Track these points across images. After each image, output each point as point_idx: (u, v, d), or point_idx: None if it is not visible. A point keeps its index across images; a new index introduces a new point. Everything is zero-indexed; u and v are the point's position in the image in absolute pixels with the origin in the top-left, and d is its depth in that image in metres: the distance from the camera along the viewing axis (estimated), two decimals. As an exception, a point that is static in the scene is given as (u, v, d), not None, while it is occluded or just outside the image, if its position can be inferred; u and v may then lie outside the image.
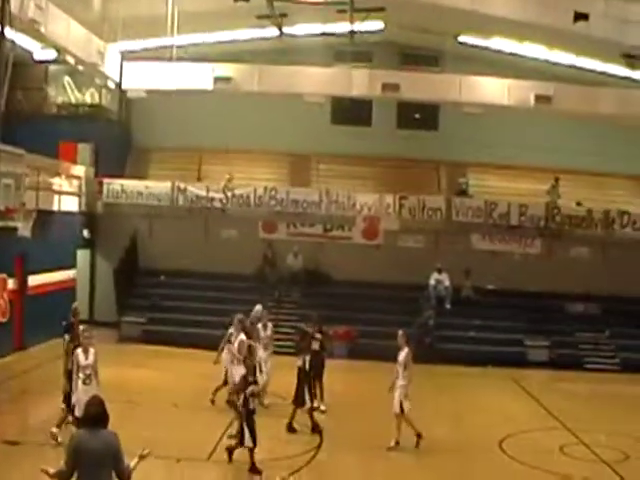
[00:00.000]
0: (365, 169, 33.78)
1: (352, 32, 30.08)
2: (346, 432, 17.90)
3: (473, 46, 33.27)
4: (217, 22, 31.00)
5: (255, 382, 15.73)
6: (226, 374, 19.04)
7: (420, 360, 18.52)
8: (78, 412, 14.54)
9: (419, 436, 16.73)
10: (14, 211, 21.05)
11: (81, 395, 14.86)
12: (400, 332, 17.23)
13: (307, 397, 17.83)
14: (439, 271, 29.41)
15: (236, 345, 18.12)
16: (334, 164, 34.00)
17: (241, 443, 15.08)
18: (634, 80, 31.13)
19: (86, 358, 15.46)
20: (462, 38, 33.13)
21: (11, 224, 21.28)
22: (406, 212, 30.37)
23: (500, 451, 16.88)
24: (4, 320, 24.33)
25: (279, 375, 19.67)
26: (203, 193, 30.64)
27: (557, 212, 30.29)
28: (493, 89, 31.22)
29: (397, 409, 16.75)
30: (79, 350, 15.53)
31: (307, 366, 18.13)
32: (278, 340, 21.81)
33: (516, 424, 19.07)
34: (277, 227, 30.71)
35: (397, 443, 16.74)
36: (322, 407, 19.49)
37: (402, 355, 17.04)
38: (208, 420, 18.20)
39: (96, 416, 8.41)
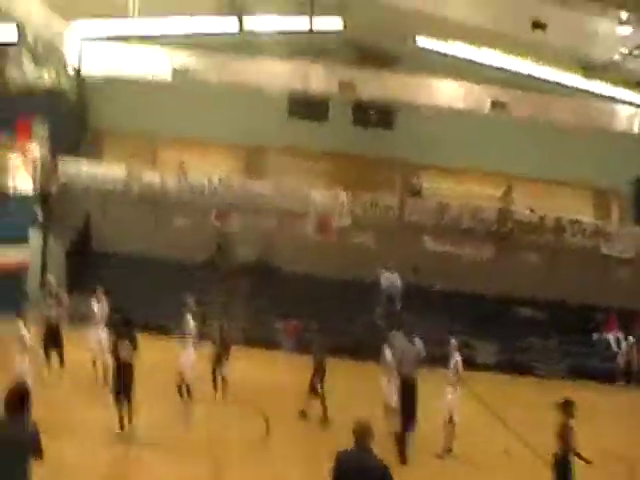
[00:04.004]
0: (320, 164, 34.02)
1: (311, 30, 30.29)
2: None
3: (431, 50, 33.67)
4: (177, 6, 30.93)
5: None
6: None
7: (371, 361, 18.50)
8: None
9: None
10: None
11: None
12: (452, 340, 16.86)
13: None
14: (389, 270, 29.27)
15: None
16: (289, 157, 34.02)
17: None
18: (589, 91, 31.90)
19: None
20: (420, 41, 33.55)
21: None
22: (359, 209, 30.63)
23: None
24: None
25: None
26: (157, 180, 30.63)
27: (509, 217, 30.75)
28: (449, 92, 31.80)
29: (447, 418, 16.58)
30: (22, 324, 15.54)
31: None
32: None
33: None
34: (230, 217, 30.70)
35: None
36: None
37: (453, 362, 16.66)
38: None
39: None
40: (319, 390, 18.72)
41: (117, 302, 20.20)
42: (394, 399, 16.77)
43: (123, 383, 15.48)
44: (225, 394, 19.01)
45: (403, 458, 15.35)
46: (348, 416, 9.32)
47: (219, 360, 19.30)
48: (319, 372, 18.84)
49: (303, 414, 18.57)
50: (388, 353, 17.32)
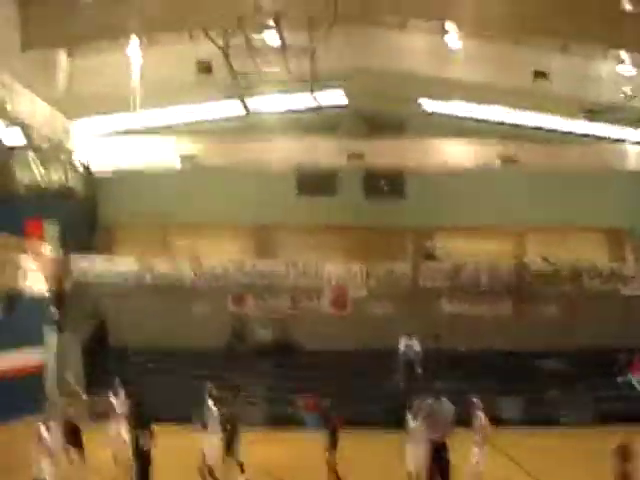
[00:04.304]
0: (332, 238, 33.76)
1: (318, 107, 30.45)
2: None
3: (436, 112, 33.69)
4: (181, 96, 31.21)
5: None
6: None
7: (397, 426, 17.93)
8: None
9: None
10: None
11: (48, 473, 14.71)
12: (474, 400, 16.62)
13: None
14: (408, 336, 28.97)
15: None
16: (301, 233, 33.86)
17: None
18: (596, 135, 31.71)
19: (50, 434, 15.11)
20: (425, 103, 33.57)
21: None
22: (373, 279, 30.42)
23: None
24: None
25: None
26: (171, 269, 30.63)
27: (525, 271, 30.42)
28: (458, 152, 31.85)
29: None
30: (42, 426, 15.17)
31: None
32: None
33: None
34: (246, 300, 30.57)
35: None
36: None
37: (477, 421, 16.39)
38: None
39: None
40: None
41: (136, 394, 19.88)
42: (418, 466, 16.26)
43: (143, 472, 15.52)
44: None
45: None
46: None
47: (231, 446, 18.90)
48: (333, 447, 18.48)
49: None
50: (412, 420, 16.85)
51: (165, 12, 26.11)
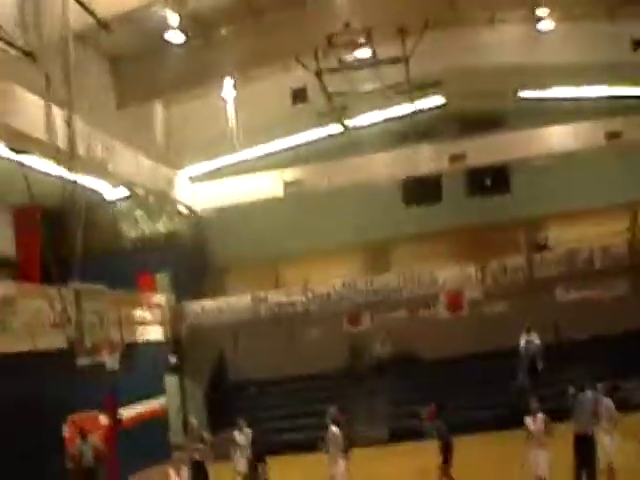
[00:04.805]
0: (442, 244, 33.56)
1: (414, 112, 30.13)
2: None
3: (534, 99, 32.88)
4: (279, 129, 31.47)
5: None
6: None
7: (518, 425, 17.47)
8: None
9: None
10: (100, 347, 21.25)
11: None
12: (599, 385, 16.31)
13: None
14: (528, 331, 28.62)
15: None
16: (411, 245, 33.74)
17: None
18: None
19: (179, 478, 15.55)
20: (523, 93, 32.84)
21: (99, 359, 21.47)
22: (488, 278, 30.04)
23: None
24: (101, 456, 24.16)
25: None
26: (283, 299, 30.89)
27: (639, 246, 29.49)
28: (560, 137, 30.88)
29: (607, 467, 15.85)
30: (172, 471, 15.59)
31: None
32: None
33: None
34: (361, 318, 30.50)
35: None
36: None
37: (603, 408, 15.99)
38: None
39: None
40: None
41: (261, 428, 20.16)
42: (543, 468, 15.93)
43: None
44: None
45: None
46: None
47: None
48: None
49: None
50: (531, 423, 16.35)
51: (255, 46, 26.20)
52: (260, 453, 17.95)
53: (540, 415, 16.17)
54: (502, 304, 29.62)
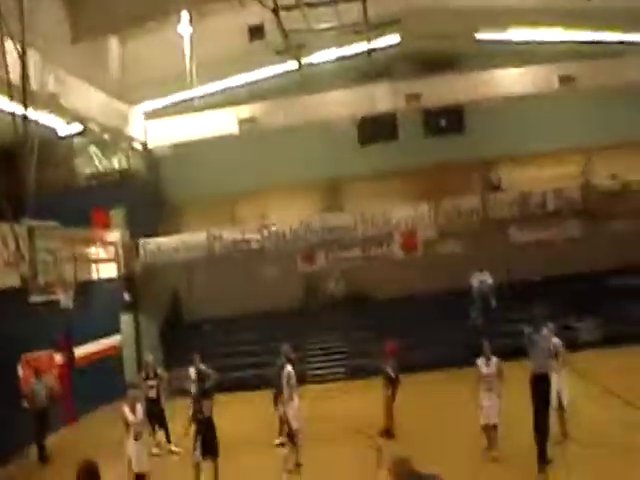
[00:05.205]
0: (397, 183, 33.36)
1: (370, 50, 29.92)
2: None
3: (490, 42, 32.72)
4: (235, 65, 31.15)
5: None
6: None
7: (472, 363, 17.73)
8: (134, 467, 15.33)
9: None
10: (54, 284, 21.15)
11: (133, 451, 15.40)
12: (549, 325, 16.28)
13: None
14: (481, 270, 29.08)
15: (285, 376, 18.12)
16: (366, 184, 33.49)
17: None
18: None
19: (134, 415, 15.58)
20: (479, 35, 32.76)
21: (53, 297, 21.38)
22: (442, 218, 30.15)
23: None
24: (55, 395, 23.94)
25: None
26: (239, 236, 30.79)
27: (592, 190, 29.73)
28: (515, 79, 31.00)
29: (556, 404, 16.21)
30: (126, 408, 15.63)
31: None
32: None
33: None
34: (316, 258, 30.60)
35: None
36: None
37: (552, 347, 16.09)
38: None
39: None
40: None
41: (214, 367, 20.26)
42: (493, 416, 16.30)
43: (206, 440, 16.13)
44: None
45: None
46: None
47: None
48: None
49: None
50: (484, 365, 16.52)
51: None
52: (205, 390, 17.98)
53: (494, 359, 16.33)
54: (456, 244, 29.95)
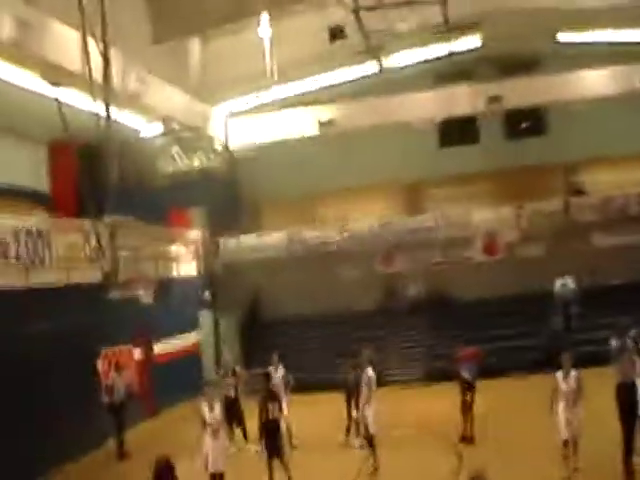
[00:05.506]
0: (478, 185, 33.28)
1: (451, 53, 29.68)
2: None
3: (572, 43, 32.31)
4: (316, 66, 31.18)
5: None
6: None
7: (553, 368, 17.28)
8: (209, 467, 15.27)
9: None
10: (134, 281, 21.37)
11: (210, 450, 15.32)
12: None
13: None
14: (563, 276, 28.70)
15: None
16: (447, 187, 33.55)
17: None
18: None
19: (212, 413, 15.59)
20: (560, 37, 32.29)
21: (133, 294, 21.60)
22: (524, 221, 29.89)
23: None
24: (134, 390, 24.37)
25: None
26: (318, 237, 31.02)
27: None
28: (597, 81, 30.41)
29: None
30: (204, 406, 15.65)
31: None
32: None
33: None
34: (395, 259, 30.57)
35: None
36: None
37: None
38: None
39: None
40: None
41: (294, 366, 20.25)
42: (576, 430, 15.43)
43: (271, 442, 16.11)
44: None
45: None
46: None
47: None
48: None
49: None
50: (562, 380, 15.70)
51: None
52: (272, 391, 17.88)
53: (573, 372, 15.44)
54: (538, 247, 29.61)
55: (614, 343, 14.80)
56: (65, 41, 18.96)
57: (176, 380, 25.18)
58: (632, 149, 31.32)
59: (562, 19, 30.17)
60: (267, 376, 17.91)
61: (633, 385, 14.75)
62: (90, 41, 17.76)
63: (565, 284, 28.72)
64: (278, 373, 20.43)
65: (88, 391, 21.61)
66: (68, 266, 20.45)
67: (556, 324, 28.12)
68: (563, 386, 15.44)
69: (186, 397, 24.14)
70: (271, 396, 16.69)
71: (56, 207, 23.30)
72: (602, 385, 15.02)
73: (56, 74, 19.26)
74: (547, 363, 18.88)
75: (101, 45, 18.04)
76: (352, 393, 19.37)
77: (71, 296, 19.97)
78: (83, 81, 18.17)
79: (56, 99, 17.90)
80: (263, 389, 17.22)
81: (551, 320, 28.28)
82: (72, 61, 18.64)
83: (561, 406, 15.41)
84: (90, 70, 17.86)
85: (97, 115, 17.90)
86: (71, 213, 22.00)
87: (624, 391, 14.65)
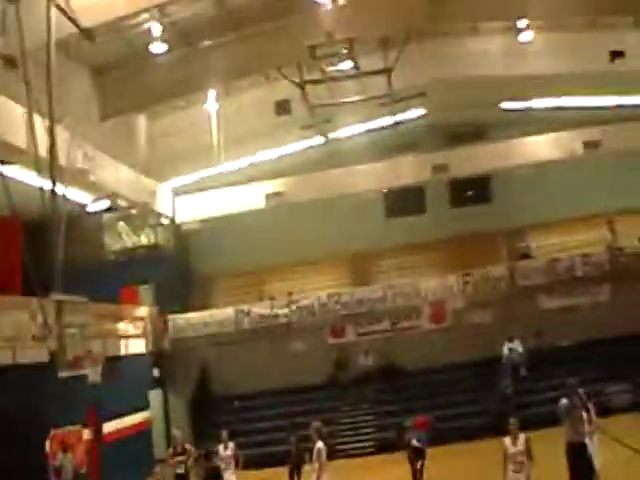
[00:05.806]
0: (425, 255, 33.76)
1: (396, 123, 30.07)
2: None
3: (515, 110, 32.97)
4: (262, 140, 31.41)
5: None
6: None
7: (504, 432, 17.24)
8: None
9: None
10: (82, 360, 21.03)
11: None
12: (580, 390, 15.56)
13: None
14: (510, 339, 28.86)
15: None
16: (394, 257, 33.97)
17: None
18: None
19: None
20: (505, 104, 32.94)
21: (81, 372, 21.24)
22: (470, 288, 30.11)
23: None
24: (82, 471, 23.75)
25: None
26: (267, 312, 30.85)
27: (620, 254, 29.63)
28: (540, 146, 31.20)
29: None
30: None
31: None
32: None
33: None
34: (345, 330, 30.61)
35: None
36: None
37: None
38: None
39: None
40: None
41: (244, 442, 19.96)
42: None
43: None
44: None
45: None
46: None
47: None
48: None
49: None
50: (510, 444, 15.66)
51: (237, 59, 26.06)
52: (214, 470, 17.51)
53: (522, 436, 15.63)
54: (485, 313, 29.69)
55: (563, 402, 14.89)
56: (10, 116, 18.93)
57: (126, 459, 24.61)
58: (575, 212, 31.99)
59: (506, 87, 30.79)
60: (206, 456, 17.61)
61: (583, 444, 14.79)
62: (36, 117, 17.75)
63: (513, 348, 28.87)
64: (228, 450, 20.15)
65: (35, 473, 21.07)
66: (14, 345, 20.09)
67: (505, 387, 27.99)
68: (512, 449, 15.40)
69: (136, 477, 23.65)
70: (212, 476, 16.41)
71: (1, 284, 22.93)
72: (553, 445, 14.99)
73: (1, 150, 19.19)
74: (497, 427, 18.82)
75: (47, 121, 18.02)
76: (295, 467, 19.16)
77: (17, 376, 19.59)
78: (29, 157, 18.11)
79: (0, 174, 17.76)
80: (202, 468, 16.96)
81: (500, 384, 28.15)
82: (18, 137, 18.59)
83: (510, 469, 15.37)
84: (36, 146, 17.80)
85: (43, 191, 17.79)
86: (17, 291, 21.67)
87: (574, 450, 14.68)
